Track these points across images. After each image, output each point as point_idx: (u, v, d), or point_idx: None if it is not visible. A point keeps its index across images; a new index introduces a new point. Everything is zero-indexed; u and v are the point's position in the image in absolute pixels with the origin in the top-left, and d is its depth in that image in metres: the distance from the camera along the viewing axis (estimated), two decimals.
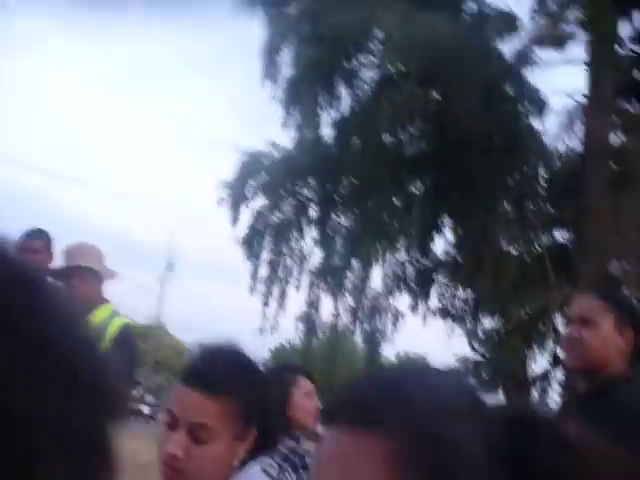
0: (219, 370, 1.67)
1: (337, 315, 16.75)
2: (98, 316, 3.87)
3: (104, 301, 4.03)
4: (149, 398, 41.97)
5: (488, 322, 15.96)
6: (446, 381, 0.96)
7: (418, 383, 0.92)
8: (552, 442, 0.91)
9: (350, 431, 0.88)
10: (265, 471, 1.71)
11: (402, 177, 14.23)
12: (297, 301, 16.99)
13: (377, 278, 16.48)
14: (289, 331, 17.55)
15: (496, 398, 15.83)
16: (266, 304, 16.55)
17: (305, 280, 16.68)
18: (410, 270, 16.45)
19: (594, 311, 2.59)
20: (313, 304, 16.82)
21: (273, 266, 16.52)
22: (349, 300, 16.76)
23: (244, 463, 1.70)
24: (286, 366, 3.63)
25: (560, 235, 14.24)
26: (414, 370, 1.00)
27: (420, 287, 16.38)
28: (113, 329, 3.84)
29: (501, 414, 0.95)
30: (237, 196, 15.63)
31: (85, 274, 3.87)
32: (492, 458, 0.87)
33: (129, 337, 3.95)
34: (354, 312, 16.77)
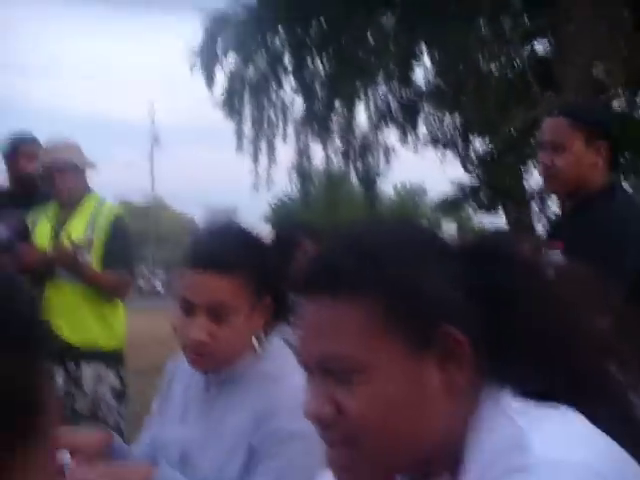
0: (225, 248, 1.68)
1: (329, 160, 16.71)
2: (85, 209, 3.91)
3: (88, 192, 4.03)
4: (159, 273, 42.51)
5: (479, 144, 15.95)
6: (408, 231, 0.99)
7: (384, 240, 0.94)
8: (514, 268, 0.95)
9: (331, 298, 0.91)
10: (286, 340, 1.76)
11: (372, 11, 13.79)
12: (286, 153, 16.92)
13: (362, 117, 16.33)
14: (284, 184, 17.55)
15: (496, 219, 16.10)
16: (256, 160, 16.51)
17: (291, 130, 16.55)
18: (394, 103, 16.25)
19: (562, 134, 2.57)
20: (303, 153, 16.74)
21: (256, 122, 16.33)
22: (338, 143, 16.67)
23: (266, 334, 1.76)
24: (289, 228, 3.61)
25: (541, 47, 13.96)
26: (376, 228, 1.00)
27: (407, 119, 16.24)
28: (105, 222, 3.88)
29: (466, 247, 1.00)
30: (209, 58, 15.22)
31: (66, 170, 3.83)
32: (462, 291, 0.91)
33: (122, 228, 4.01)
34: (345, 154, 16.71)
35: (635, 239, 2.35)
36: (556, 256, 2.53)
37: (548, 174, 2.65)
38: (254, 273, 1.66)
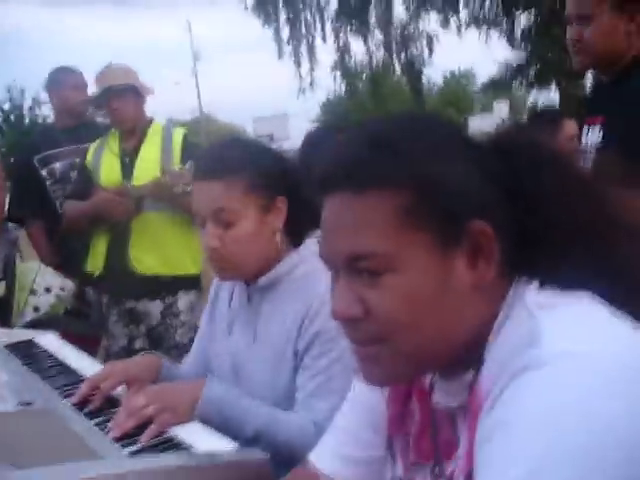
0: (222, 155, 1.69)
1: (370, 53, 16.44)
2: (153, 138, 3.55)
3: (150, 121, 3.63)
4: None
5: (523, 19, 15.46)
6: (433, 124, 0.96)
7: (409, 132, 0.92)
8: (536, 163, 0.93)
9: (354, 194, 0.89)
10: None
11: None
12: (328, 52, 16.69)
13: (400, 6, 15.92)
14: (329, 84, 17.37)
15: (549, 94, 15.71)
16: (297, 63, 16.35)
17: (329, 29, 16.26)
18: None
19: (589, 2, 2.36)
20: (344, 50, 16.49)
21: (293, 24, 16.08)
22: (379, 36, 16.35)
23: (298, 236, 1.76)
24: (319, 130, 3.51)
25: None
26: (400, 121, 0.97)
27: (447, 2, 15.79)
28: (178, 148, 3.53)
29: (488, 144, 0.97)
30: None
31: (124, 94, 3.43)
32: (488, 186, 0.90)
33: (192, 145, 3.64)
34: (387, 46, 16.41)
35: None
36: (595, 133, 2.45)
37: (578, 50, 2.47)
38: (256, 175, 1.65)
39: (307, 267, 1.70)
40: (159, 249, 3.40)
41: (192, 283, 3.51)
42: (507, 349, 0.83)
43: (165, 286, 3.39)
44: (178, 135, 3.56)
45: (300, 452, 1.49)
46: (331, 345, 1.59)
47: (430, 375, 1.02)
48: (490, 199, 0.89)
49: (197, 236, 3.39)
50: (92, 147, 3.64)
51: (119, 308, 3.37)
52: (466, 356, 0.91)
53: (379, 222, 0.87)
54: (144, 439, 1.44)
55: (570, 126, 3.68)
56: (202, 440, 1.43)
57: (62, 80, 4.10)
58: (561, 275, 0.88)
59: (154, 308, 3.38)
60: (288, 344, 1.65)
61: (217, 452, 1.32)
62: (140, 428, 1.48)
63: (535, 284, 0.89)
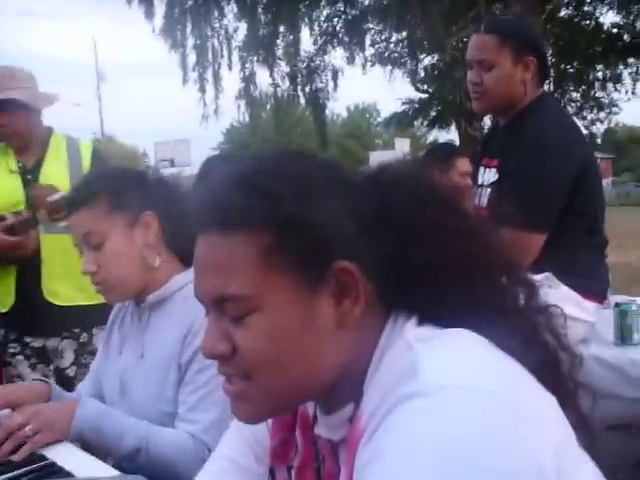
0: (78, 186, 1.77)
1: (275, 84, 16.53)
2: (57, 151, 3.15)
3: (49, 131, 3.22)
4: None
5: (427, 60, 15.90)
6: (302, 162, 0.95)
7: (276, 171, 0.91)
8: (415, 196, 0.93)
9: (220, 235, 0.88)
10: None
11: None
12: (233, 80, 16.70)
13: (308, 39, 16.12)
14: (233, 112, 17.36)
15: (448, 134, 16.16)
16: (202, 90, 16.28)
17: (235, 57, 16.29)
18: (339, 23, 16.06)
19: (490, 51, 2.49)
20: (249, 79, 16.53)
21: (200, 50, 16.03)
22: (284, 67, 16.47)
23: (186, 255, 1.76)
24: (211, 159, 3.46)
25: None
26: (267, 159, 0.96)
27: (353, 38, 16.07)
28: (87, 162, 3.16)
29: (368, 176, 0.97)
30: None
31: (10, 108, 3.00)
32: (359, 223, 0.89)
33: (101, 156, 3.33)
34: (292, 78, 16.54)
35: (562, 147, 2.35)
36: (492, 173, 2.55)
37: (478, 92, 2.59)
38: (115, 196, 1.71)
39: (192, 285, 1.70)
40: (74, 275, 3.08)
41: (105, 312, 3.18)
42: (386, 382, 0.83)
43: (81, 320, 3.04)
44: (87, 148, 3.23)
45: (179, 465, 1.54)
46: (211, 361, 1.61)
47: (313, 407, 1.02)
48: (360, 237, 0.89)
49: None
50: None
51: (26, 346, 3.06)
52: (344, 390, 0.91)
53: (242, 263, 0.87)
54: (17, 457, 1.47)
55: (463, 163, 3.78)
56: (83, 465, 1.43)
57: None
58: (439, 311, 0.88)
59: (67, 346, 3.06)
60: (172, 358, 1.67)
61: (99, 478, 1.31)
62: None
63: (414, 319, 0.89)
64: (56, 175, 3.05)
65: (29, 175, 3.06)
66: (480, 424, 0.73)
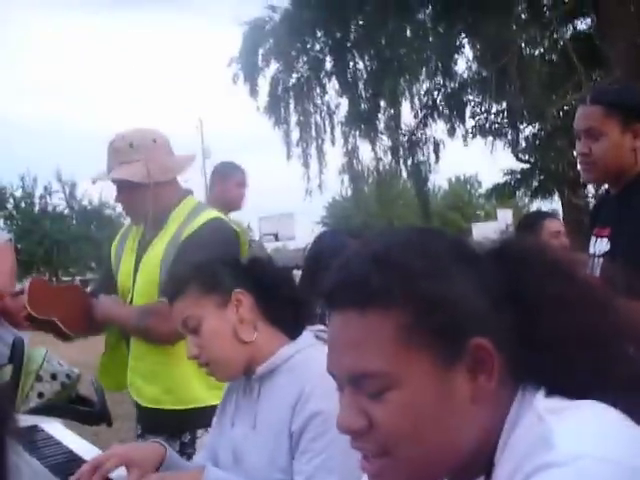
0: (169, 278, 2.00)
1: (378, 158, 16.70)
2: (178, 215, 2.74)
3: (184, 194, 2.84)
4: None
5: (527, 130, 15.81)
6: (433, 240, 0.97)
7: (410, 249, 0.93)
8: (541, 270, 0.95)
9: (357, 313, 0.91)
10: (317, 336, 1.83)
11: (410, 6, 13.75)
12: (336, 155, 16.96)
13: (408, 113, 16.29)
14: (335, 185, 17.60)
15: (551, 204, 15.90)
16: (306, 165, 16.60)
17: (338, 132, 16.59)
18: (439, 96, 16.20)
19: (597, 120, 2.50)
20: (351, 153, 16.75)
21: (303, 126, 16.41)
22: (386, 141, 16.65)
23: (289, 328, 1.86)
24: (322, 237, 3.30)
25: (581, 24, 13.78)
26: (400, 236, 0.99)
27: (453, 111, 16.15)
28: (196, 224, 2.67)
29: (492, 251, 0.99)
30: (250, 67, 15.40)
31: (129, 185, 2.67)
32: (489, 298, 0.91)
33: (216, 231, 2.68)
34: (394, 151, 16.68)
35: None
36: (604, 243, 2.52)
37: (586, 163, 2.57)
38: (203, 280, 1.81)
39: (303, 355, 1.77)
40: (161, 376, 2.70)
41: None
42: (518, 453, 0.85)
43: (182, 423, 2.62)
44: (202, 218, 2.69)
45: None
46: (326, 426, 1.64)
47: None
48: (491, 311, 0.91)
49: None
50: (119, 234, 2.99)
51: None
52: (475, 464, 0.93)
53: (380, 342, 0.89)
54: None
55: (553, 223, 3.78)
56: None
57: (228, 174, 4.44)
58: (568, 383, 0.90)
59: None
60: (283, 427, 1.71)
61: None
62: None
63: (542, 391, 0.90)
64: (154, 256, 2.70)
65: (141, 252, 2.78)
66: None
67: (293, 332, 1.85)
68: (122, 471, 1.75)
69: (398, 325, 0.89)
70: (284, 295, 1.83)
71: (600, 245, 2.55)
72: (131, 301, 2.72)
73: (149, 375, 2.67)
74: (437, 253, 0.94)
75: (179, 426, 2.55)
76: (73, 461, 1.96)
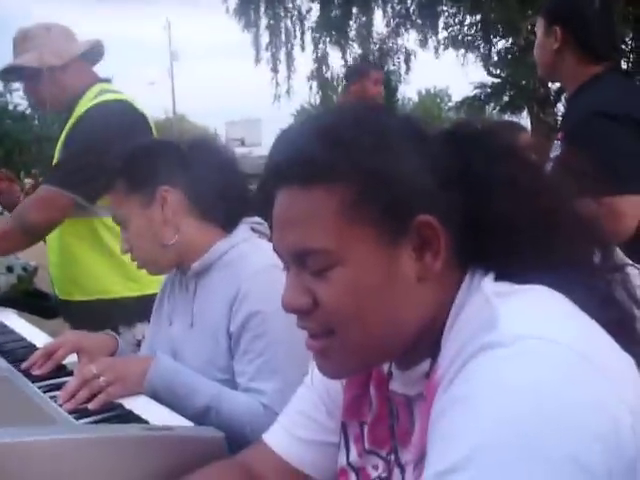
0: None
1: (348, 66, 16.51)
2: (82, 104, 2.67)
3: (93, 81, 2.77)
4: None
5: (500, 44, 15.67)
6: (382, 118, 0.95)
7: (357, 126, 0.91)
8: (493, 152, 0.94)
9: (302, 189, 0.89)
10: (253, 229, 1.80)
11: None
12: (305, 61, 16.75)
13: (380, 21, 16.05)
14: (304, 93, 17.42)
15: (520, 119, 15.90)
16: (275, 70, 16.39)
17: (308, 38, 16.33)
18: (413, 6, 15.95)
19: (538, 28, 2.65)
20: (321, 60, 16.55)
21: (273, 31, 16.12)
22: (357, 49, 16.45)
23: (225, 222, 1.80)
24: None
25: None
26: (349, 113, 0.96)
27: (425, 21, 15.95)
28: (80, 111, 2.63)
29: (444, 132, 0.97)
30: None
31: (33, 73, 2.66)
32: (438, 177, 0.89)
33: (101, 115, 2.59)
34: (364, 58, 16.49)
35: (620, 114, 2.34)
36: (557, 147, 2.56)
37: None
38: (128, 177, 1.75)
39: (238, 251, 1.74)
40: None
41: None
42: (464, 335, 0.84)
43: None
44: (82, 105, 2.64)
45: (249, 431, 1.54)
46: (265, 326, 1.62)
47: (388, 363, 1.03)
48: (439, 191, 0.89)
49: None
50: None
51: None
52: (421, 345, 0.92)
53: (325, 217, 0.88)
54: (92, 406, 1.49)
55: (526, 137, 3.79)
56: (157, 415, 1.45)
57: (365, 71, 4.52)
58: (516, 268, 0.88)
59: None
60: (221, 325, 1.68)
61: (173, 426, 1.33)
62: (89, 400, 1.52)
63: (491, 276, 0.89)
64: (57, 150, 2.71)
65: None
66: (556, 374, 0.74)
67: (228, 226, 1.80)
68: (74, 358, 1.74)
69: (342, 201, 0.87)
70: (216, 186, 1.76)
71: (555, 149, 2.60)
72: None
73: (60, 265, 2.72)
74: (385, 130, 0.91)
75: (96, 319, 2.46)
76: (26, 348, 1.94)
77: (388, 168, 0.88)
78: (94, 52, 2.85)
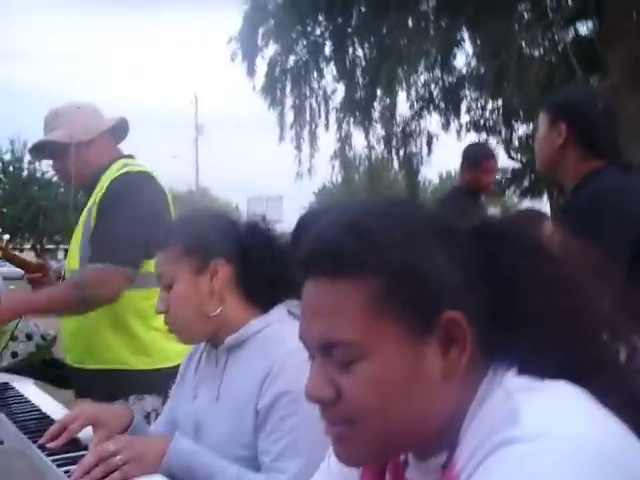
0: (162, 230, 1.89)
1: (370, 146, 16.67)
2: (106, 178, 2.75)
3: (117, 157, 2.87)
4: None
5: (522, 129, 15.81)
6: (410, 212, 0.97)
7: (386, 220, 0.93)
8: (519, 248, 0.95)
9: (331, 281, 0.91)
10: (290, 311, 1.81)
11: None
12: (328, 140, 16.93)
13: (404, 104, 16.26)
14: (326, 172, 17.57)
15: (540, 204, 15.93)
16: (298, 148, 16.55)
17: (332, 118, 16.54)
18: (436, 90, 16.17)
19: (541, 122, 2.69)
20: (345, 140, 16.71)
21: (298, 109, 16.35)
22: (380, 130, 16.62)
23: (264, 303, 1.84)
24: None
25: (584, 28, 13.76)
26: (377, 207, 0.98)
27: (449, 105, 16.14)
28: (104, 183, 2.71)
29: (471, 228, 0.99)
30: (249, 46, 15.30)
31: (61, 150, 2.76)
32: (465, 273, 0.91)
33: (126, 185, 2.68)
34: (387, 141, 16.65)
35: (612, 220, 2.35)
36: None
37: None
38: (188, 241, 1.77)
39: (273, 330, 1.76)
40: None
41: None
42: (484, 429, 0.84)
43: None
44: (108, 177, 2.71)
45: None
46: (294, 407, 1.63)
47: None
48: (466, 287, 0.90)
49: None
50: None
51: None
52: (440, 438, 0.93)
53: (351, 311, 0.89)
54: None
55: (548, 226, 3.79)
56: None
57: (478, 160, 4.66)
58: (540, 364, 0.89)
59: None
60: (249, 402, 1.69)
61: None
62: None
63: (514, 370, 0.90)
64: (80, 224, 2.76)
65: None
66: (577, 473, 0.74)
67: (268, 307, 1.83)
68: (90, 432, 1.75)
69: (370, 295, 0.89)
70: (267, 270, 1.81)
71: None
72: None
73: (74, 332, 2.73)
74: (413, 225, 0.93)
75: (106, 390, 2.52)
76: (42, 420, 1.95)
77: (416, 264, 0.89)
78: (119, 129, 2.97)
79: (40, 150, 2.98)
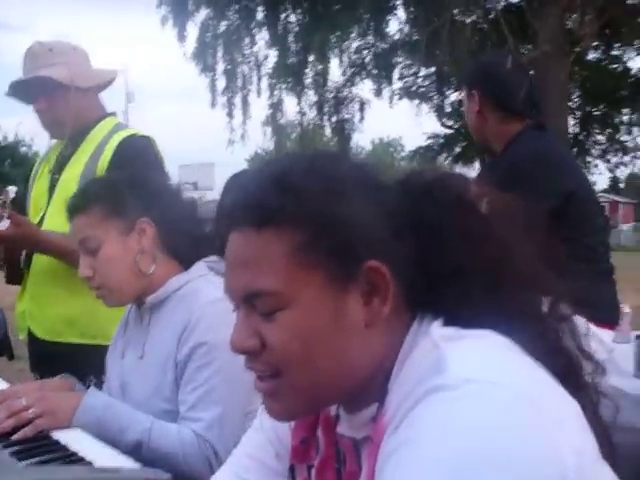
0: (78, 192, 1.84)
1: (302, 113, 16.66)
2: (89, 143, 2.57)
3: (105, 114, 2.69)
4: None
5: (454, 96, 15.96)
6: (336, 164, 0.97)
7: (309, 171, 0.93)
8: (445, 202, 0.95)
9: (254, 231, 0.90)
10: (210, 267, 1.82)
11: None
12: (261, 106, 16.87)
13: (336, 70, 16.27)
14: (259, 138, 17.51)
15: (472, 171, 16.17)
16: (230, 115, 16.43)
17: (264, 84, 16.46)
18: (368, 56, 16.20)
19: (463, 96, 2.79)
20: (277, 106, 16.66)
21: (230, 76, 16.21)
22: (312, 96, 16.61)
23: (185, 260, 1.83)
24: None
25: None
26: (302, 158, 0.98)
27: (381, 71, 16.19)
28: (109, 153, 2.51)
29: (398, 181, 0.99)
30: (179, 10, 15.07)
31: (54, 89, 2.49)
32: (389, 225, 0.91)
33: (135, 147, 2.54)
34: (319, 106, 16.66)
35: (528, 180, 2.40)
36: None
37: None
38: (112, 203, 1.75)
39: (192, 286, 1.77)
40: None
41: None
42: (411, 378, 0.85)
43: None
44: (116, 138, 2.53)
45: (181, 460, 1.56)
46: (210, 357, 1.64)
47: (335, 406, 1.03)
48: (390, 238, 0.91)
49: None
50: (37, 161, 2.82)
51: None
52: (369, 389, 0.93)
53: (274, 260, 0.89)
54: (16, 437, 1.51)
55: (474, 189, 3.89)
56: (101, 455, 1.44)
57: None
58: (465, 314, 0.90)
59: None
60: (169, 356, 1.70)
61: (119, 468, 1.31)
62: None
63: (440, 320, 0.91)
64: (70, 178, 2.53)
65: (56, 175, 2.61)
66: (502, 417, 0.75)
67: (189, 264, 1.83)
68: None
69: (292, 244, 0.89)
70: (187, 229, 1.81)
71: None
72: (42, 220, 2.54)
73: (49, 301, 2.48)
74: (337, 175, 0.93)
75: (80, 366, 2.17)
76: None
77: (338, 213, 0.89)
78: (104, 85, 2.72)
79: (21, 90, 2.57)
